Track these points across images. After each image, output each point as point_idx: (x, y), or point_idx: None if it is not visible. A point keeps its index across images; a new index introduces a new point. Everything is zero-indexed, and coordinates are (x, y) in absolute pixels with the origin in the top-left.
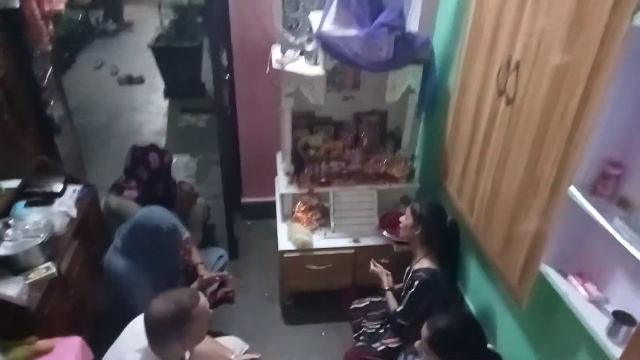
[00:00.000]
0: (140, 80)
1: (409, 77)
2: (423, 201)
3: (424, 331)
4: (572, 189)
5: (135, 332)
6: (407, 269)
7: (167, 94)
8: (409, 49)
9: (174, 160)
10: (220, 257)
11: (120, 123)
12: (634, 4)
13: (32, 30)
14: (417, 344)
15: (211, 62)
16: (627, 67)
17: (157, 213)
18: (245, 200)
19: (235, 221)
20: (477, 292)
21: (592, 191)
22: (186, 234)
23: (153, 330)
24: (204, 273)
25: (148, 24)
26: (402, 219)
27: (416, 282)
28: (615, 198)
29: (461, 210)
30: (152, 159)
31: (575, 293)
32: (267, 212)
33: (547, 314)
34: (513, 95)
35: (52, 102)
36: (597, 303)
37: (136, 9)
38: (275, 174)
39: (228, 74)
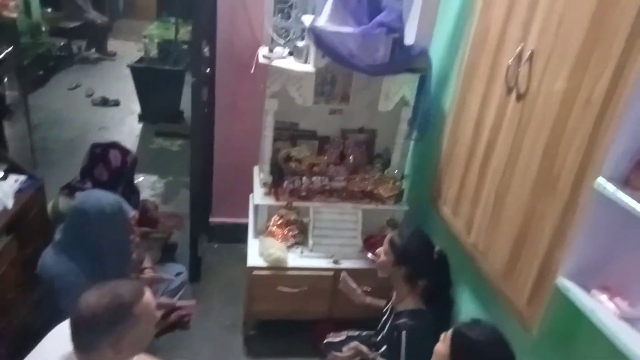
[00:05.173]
0: (116, 103)
1: (404, 87)
2: (404, 231)
3: (442, 344)
4: (601, 181)
5: (63, 333)
6: (390, 305)
7: (142, 117)
8: (406, 55)
9: (141, 179)
10: (178, 273)
11: (87, 139)
12: None
13: None
14: None
15: (191, 52)
16: None
17: (97, 193)
18: (214, 220)
19: (201, 242)
20: None
21: (624, 183)
22: (132, 212)
23: (80, 330)
24: (149, 274)
25: (132, 55)
26: (379, 251)
27: (403, 334)
28: None
29: (457, 230)
30: (112, 157)
31: (603, 309)
32: (237, 235)
33: (565, 339)
34: (525, 88)
35: (5, 80)
36: (631, 321)
37: (123, 43)
38: (250, 191)
39: (209, 68)
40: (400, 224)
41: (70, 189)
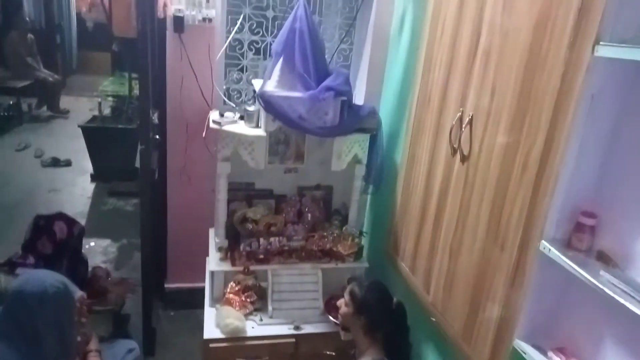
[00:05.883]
0: (67, 163)
1: (356, 146)
2: (364, 282)
3: None
4: (544, 244)
5: None
6: None
7: (95, 177)
8: (355, 116)
9: (92, 244)
10: (130, 350)
11: (34, 204)
12: (592, 39)
13: None
14: None
15: (139, 115)
16: (592, 109)
17: (40, 274)
18: (169, 286)
19: (156, 311)
20: None
21: (566, 246)
22: (78, 293)
23: None
24: None
25: (85, 112)
26: (340, 302)
27: None
28: (593, 253)
29: (416, 287)
30: (58, 229)
31: None
32: (195, 300)
33: None
34: (468, 151)
35: None
36: None
37: (76, 100)
38: (206, 254)
39: (158, 135)
40: (360, 276)
41: (10, 266)
